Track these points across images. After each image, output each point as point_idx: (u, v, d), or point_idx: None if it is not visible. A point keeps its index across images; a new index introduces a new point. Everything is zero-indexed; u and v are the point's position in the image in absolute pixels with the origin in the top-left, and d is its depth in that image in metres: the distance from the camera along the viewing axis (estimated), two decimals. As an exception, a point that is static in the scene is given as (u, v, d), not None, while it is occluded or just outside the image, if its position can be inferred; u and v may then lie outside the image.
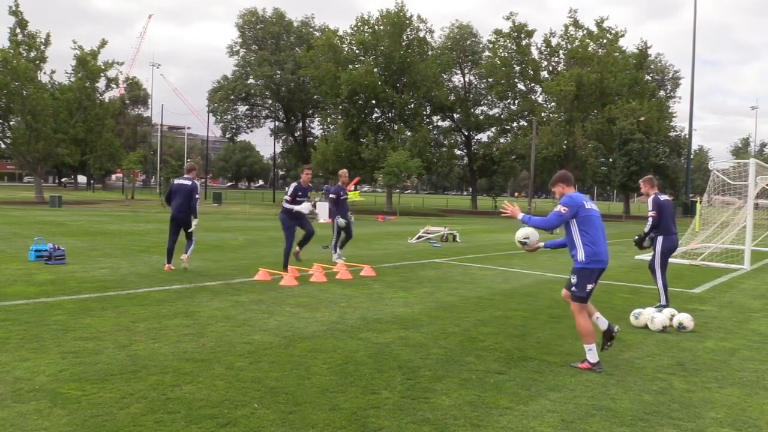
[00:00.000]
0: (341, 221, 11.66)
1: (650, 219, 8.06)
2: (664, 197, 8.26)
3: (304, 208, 10.44)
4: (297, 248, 10.84)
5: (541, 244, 5.76)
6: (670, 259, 8.47)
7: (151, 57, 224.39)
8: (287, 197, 10.49)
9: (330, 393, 4.38)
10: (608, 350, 5.65)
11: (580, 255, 5.25)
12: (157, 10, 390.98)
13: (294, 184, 10.67)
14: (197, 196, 10.30)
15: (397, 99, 43.95)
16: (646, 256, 13.83)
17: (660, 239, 8.13)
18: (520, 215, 5.37)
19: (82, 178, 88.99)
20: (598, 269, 5.29)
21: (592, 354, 5.24)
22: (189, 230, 10.22)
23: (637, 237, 8.43)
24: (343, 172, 12.50)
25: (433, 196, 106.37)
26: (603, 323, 5.39)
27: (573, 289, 5.32)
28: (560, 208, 5.25)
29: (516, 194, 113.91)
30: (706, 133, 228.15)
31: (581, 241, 5.26)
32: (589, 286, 5.28)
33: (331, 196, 12.05)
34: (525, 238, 5.64)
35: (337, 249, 11.90)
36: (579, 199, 5.31)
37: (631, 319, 7.11)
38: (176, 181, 10.69)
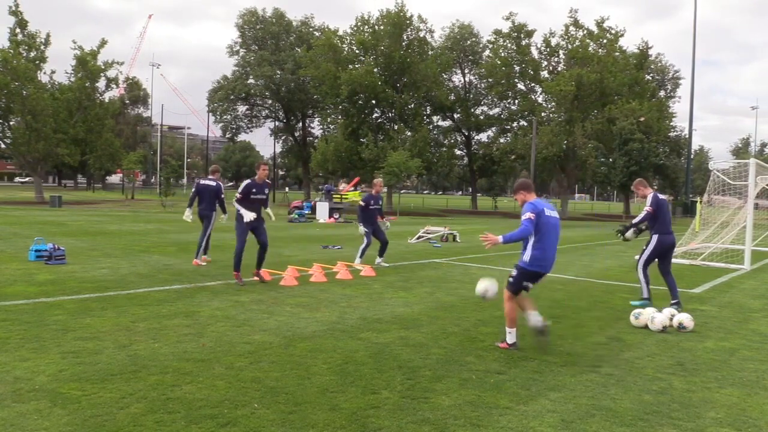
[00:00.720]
0: (362, 230, 11.57)
1: (644, 212, 8.12)
2: (662, 196, 8.32)
3: (247, 215, 8.95)
4: (255, 270, 9.36)
5: (500, 238, 5.57)
6: (671, 259, 8.50)
7: (151, 57, 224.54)
8: (238, 194, 9.08)
9: (330, 393, 4.38)
10: (606, 350, 5.80)
11: (526, 256, 5.68)
12: (156, 10, 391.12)
13: (247, 181, 9.28)
14: (222, 195, 11.15)
15: (397, 99, 43.95)
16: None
17: (655, 237, 8.17)
18: (500, 239, 5.51)
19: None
20: (539, 273, 5.71)
21: (510, 336, 5.79)
22: (208, 229, 11.04)
23: (621, 227, 8.50)
24: (378, 181, 12.36)
25: (433, 197, 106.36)
26: (534, 319, 5.64)
27: (510, 279, 5.80)
28: (528, 215, 5.57)
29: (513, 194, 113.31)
30: (706, 133, 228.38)
31: (531, 244, 5.63)
32: (525, 284, 5.73)
33: (361, 203, 11.89)
34: (484, 293, 5.89)
35: (362, 255, 11.62)
36: (540, 206, 5.67)
37: (631, 319, 7.11)
38: (201, 182, 11.37)
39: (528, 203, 5.70)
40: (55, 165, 54.09)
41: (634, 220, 8.36)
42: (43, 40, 37.87)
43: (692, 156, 51.04)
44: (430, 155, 46.49)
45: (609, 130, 43.83)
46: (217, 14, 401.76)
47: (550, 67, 48.95)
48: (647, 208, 8.12)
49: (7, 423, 3.63)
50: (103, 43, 40.97)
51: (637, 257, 8.65)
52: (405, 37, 44.32)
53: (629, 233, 8.38)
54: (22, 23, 36.95)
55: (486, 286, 5.88)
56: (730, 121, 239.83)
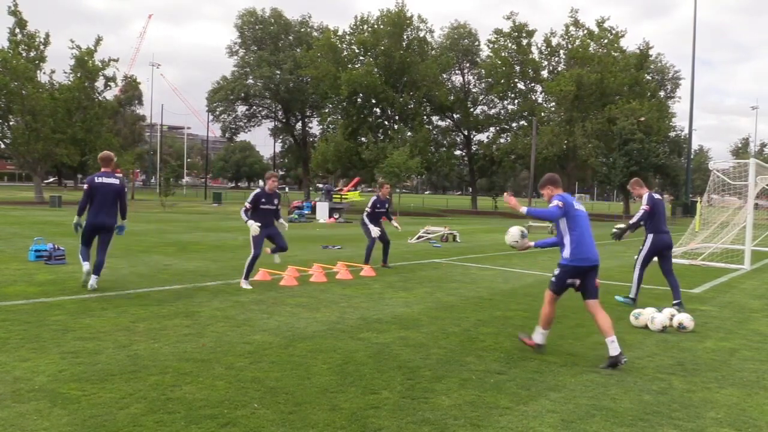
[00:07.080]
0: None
1: (641, 211, 8.20)
2: (657, 196, 8.40)
3: (374, 231, 11.11)
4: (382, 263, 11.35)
5: (531, 243, 6.04)
6: (671, 259, 8.52)
7: (150, 57, 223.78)
8: (368, 209, 11.26)
9: (330, 393, 4.38)
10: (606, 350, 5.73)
11: (566, 252, 5.53)
12: (151, 10, 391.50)
13: (374, 198, 11.42)
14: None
15: (396, 99, 43.94)
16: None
17: (651, 237, 8.26)
18: (523, 209, 5.49)
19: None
20: (584, 267, 5.51)
21: (539, 336, 5.66)
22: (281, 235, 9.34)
23: (616, 230, 8.63)
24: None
25: (433, 196, 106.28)
26: (614, 349, 5.29)
27: (552, 279, 5.63)
28: (557, 202, 5.47)
29: (507, 193, 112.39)
30: (703, 133, 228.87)
31: (569, 239, 5.52)
32: (569, 281, 5.54)
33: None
34: (515, 242, 6.00)
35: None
36: (570, 199, 5.58)
37: (631, 319, 7.11)
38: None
39: (558, 195, 5.58)
40: (54, 165, 54.02)
41: (632, 221, 8.44)
42: (42, 40, 37.86)
43: (692, 156, 51.01)
44: (430, 155, 46.49)
45: (609, 130, 43.83)
46: (210, 14, 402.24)
47: (551, 67, 48.96)
48: (644, 206, 8.22)
49: (7, 423, 3.63)
50: (99, 40, 40.80)
51: (636, 257, 8.65)
52: (405, 36, 44.32)
53: (625, 236, 8.51)
54: (21, 23, 36.95)
55: (514, 233, 5.96)
56: (725, 121, 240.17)
